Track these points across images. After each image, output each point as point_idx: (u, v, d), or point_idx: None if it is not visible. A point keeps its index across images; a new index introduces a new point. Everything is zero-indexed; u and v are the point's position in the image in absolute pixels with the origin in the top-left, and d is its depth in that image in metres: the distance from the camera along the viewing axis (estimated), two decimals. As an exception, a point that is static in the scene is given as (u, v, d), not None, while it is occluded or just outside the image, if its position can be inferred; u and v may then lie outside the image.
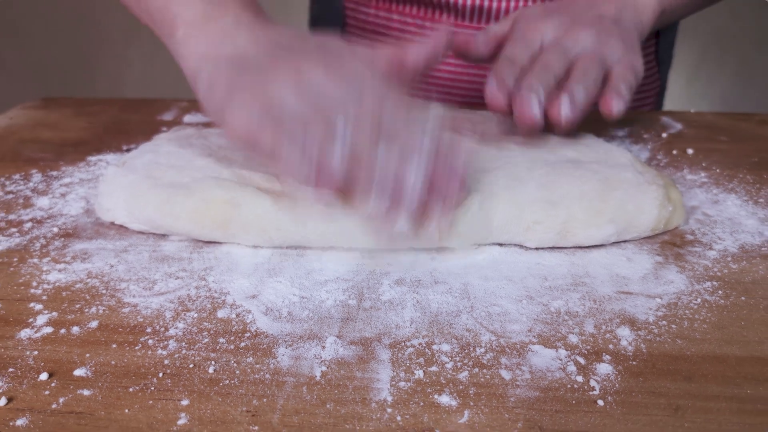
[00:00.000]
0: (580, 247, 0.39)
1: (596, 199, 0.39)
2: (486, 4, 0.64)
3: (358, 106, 0.34)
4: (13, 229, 0.42)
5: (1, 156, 0.53)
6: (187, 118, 0.61)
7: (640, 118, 0.61)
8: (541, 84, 0.44)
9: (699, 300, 0.35)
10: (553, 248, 0.39)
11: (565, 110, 0.43)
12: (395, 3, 0.69)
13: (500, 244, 0.40)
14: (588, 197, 0.39)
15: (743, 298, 0.35)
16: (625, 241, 0.40)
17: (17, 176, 0.49)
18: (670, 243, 0.40)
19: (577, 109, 0.44)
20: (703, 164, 0.51)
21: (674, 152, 0.54)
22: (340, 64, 0.37)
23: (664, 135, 0.57)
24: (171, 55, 0.43)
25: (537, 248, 0.39)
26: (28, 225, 0.42)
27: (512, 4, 0.64)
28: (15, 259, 0.39)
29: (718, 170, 0.50)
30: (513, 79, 0.46)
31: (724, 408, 0.28)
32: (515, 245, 0.40)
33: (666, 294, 0.35)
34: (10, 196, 0.46)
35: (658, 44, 0.73)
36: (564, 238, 0.39)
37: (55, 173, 0.50)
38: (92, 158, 0.53)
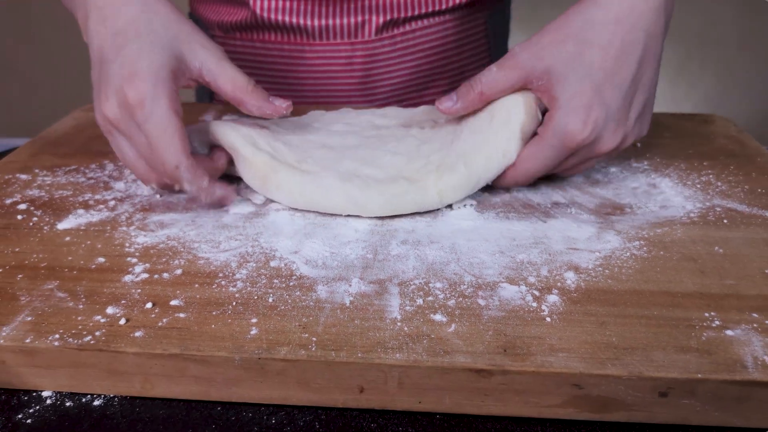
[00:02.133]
0: (542, 219, 0.51)
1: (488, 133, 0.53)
2: (332, 22, 0.73)
3: None
4: (101, 206, 0.53)
5: (76, 150, 0.64)
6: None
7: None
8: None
9: (628, 254, 0.46)
10: (521, 219, 0.51)
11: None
12: (256, 32, 0.77)
13: (481, 213, 0.52)
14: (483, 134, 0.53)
15: (662, 252, 0.47)
16: (577, 211, 0.52)
17: (93, 165, 0.61)
18: (612, 214, 0.52)
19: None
20: (647, 155, 0.63)
21: (625, 146, 0.65)
22: None
23: (620, 132, 0.68)
24: None
25: (508, 218, 0.51)
26: (112, 203, 0.54)
27: (359, 19, 0.73)
28: (108, 228, 0.50)
29: (658, 159, 0.62)
30: None
31: (636, 323, 0.39)
32: (493, 216, 0.51)
33: (604, 250, 0.47)
34: (92, 181, 0.58)
35: (487, 21, 0.83)
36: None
37: (123, 164, 0.61)
38: (151, 152, 0.64)
